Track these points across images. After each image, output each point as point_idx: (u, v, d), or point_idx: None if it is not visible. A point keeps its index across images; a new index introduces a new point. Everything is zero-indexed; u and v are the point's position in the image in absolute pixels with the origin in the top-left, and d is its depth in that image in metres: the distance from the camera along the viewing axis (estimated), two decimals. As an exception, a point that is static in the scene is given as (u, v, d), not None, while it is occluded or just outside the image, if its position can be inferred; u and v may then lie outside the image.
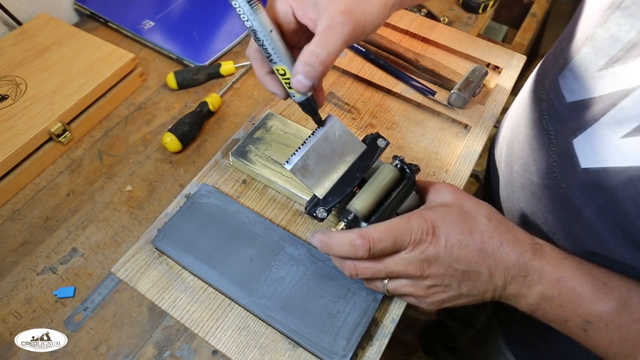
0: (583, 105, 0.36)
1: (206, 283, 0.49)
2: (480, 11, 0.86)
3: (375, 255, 0.37)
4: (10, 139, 0.60)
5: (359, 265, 0.38)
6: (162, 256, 0.51)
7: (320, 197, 0.40)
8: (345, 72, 0.69)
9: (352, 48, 0.71)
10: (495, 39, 0.93)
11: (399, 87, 0.67)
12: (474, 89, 0.63)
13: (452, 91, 0.63)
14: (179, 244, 0.50)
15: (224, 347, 0.46)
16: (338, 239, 0.38)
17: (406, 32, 0.74)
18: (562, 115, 0.39)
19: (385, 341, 0.46)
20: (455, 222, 0.36)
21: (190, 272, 0.50)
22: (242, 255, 0.49)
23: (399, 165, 0.42)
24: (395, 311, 0.48)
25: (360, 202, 0.39)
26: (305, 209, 0.41)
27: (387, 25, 0.75)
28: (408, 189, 0.41)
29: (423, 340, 1.29)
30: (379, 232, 0.36)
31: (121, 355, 0.50)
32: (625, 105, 0.31)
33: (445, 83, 0.66)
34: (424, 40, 0.73)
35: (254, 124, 0.60)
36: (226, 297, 0.48)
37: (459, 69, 0.67)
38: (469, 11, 0.86)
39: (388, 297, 0.49)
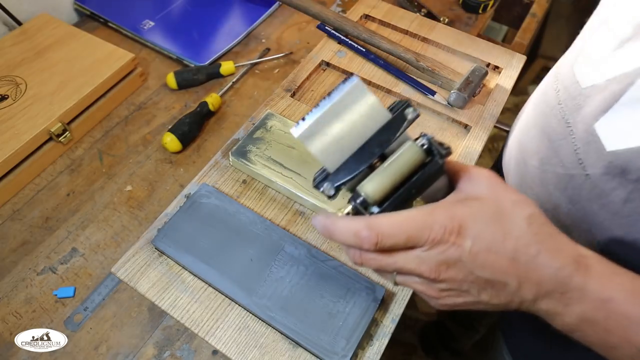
0: (600, 88, 0.35)
1: (206, 283, 0.49)
2: (480, 11, 0.86)
3: (384, 250, 0.32)
4: (10, 139, 0.60)
5: (365, 255, 0.33)
6: (162, 256, 0.51)
7: (331, 171, 0.34)
8: (346, 72, 0.69)
9: (352, 48, 0.71)
10: (495, 39, 0.93)
11: (399, 87, 0.67)
12: (474, 89, 0.63)
13: (452, 91, 0.63)
14: (179, 244, 0.50)
15: (224, 347, 0.46)
16: (342, 226, 0.32)
17: (406, 32, 0.74)
18: (579, 101, 0.38)
19: (385, 341, 0.46)
20: (487, 224, 0.31)
21: (190, 272, 0.50)
22: (242, 255, 0.49)
23: (425, 146, 0.33)
24: (395, 311, 0.48)
25: (373, 185, 0.33)
26: (313, 181, 0.35)
27: (387, 25, 0.75)
28: (432, 175, 0.33)
29: (423, 341, 1.28)
30: (391, 226, 0.31)
31: (121, 355, 0.50)
32: None
33: (445, 83, 0.66)
34: (424, 40, 0.73)
35: (254, 124, 0.60)
36: (226, 297, 0.48)
37: (459, 69, 0.67)
38: (469, 11, 0.86)
39: (388, 297, 0.49)
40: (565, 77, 0.41)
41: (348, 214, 0.34)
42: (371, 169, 0.34)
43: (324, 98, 0.33)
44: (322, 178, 0.34)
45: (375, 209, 0.33)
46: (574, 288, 0.30)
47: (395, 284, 0.35)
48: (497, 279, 0.31)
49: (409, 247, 0.32)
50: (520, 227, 0.31)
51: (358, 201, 0.33)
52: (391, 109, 0.35)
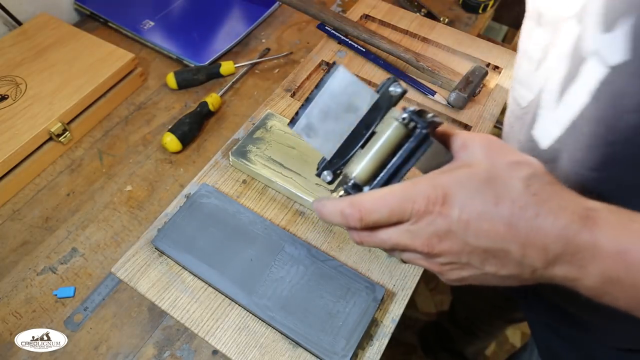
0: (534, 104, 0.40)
1: (206, 283, 0.49)
2: (480, 11, 0.86)
3: (370, 227, 0.32)
4: (10, 139, 0.60)
5: (361, 235, 0.33)
6: (162, 256, 0.51)
7: (329, 159, 0.35)
8: (345, 72, 0.69)
9: (352, 48, 0.71)
10: (495, 39, 0.93)
11: (399, 87, 0.67)
12: (474, 89, 0.63)
13: (452, 91, 0.63)
14: (179, 244, 0.50)
15: (224, 347, 0.46)
16: (329, 206, 0.33)
17: (406, 32, 0.74)
18: (522, 116, 0.42)
19: (385, 341, 0.46)
20: (477, 190, 0.29)
21: (190, 272, 0.50)
22: (242, 255, 0.49)
23: (405, 120, 0.33)
24: (395, 311, 0.48)
25: (358, 165, 0.34)
26: (317, 170, 0.36)
27: (387, 25, 0.75)
28: (417, 147, 0.33)
29: (422, 341, 1.28)
30: (372, 201, 0.31)
31: (121, 355, 0.50)
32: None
33: (445, 83, 0.66)
34: (424, 40, 0.73)
35: (254, 124, 0.60)
36: (226, 297, 0.48)
37: (459, 69, 0.67)
38: (469, 11, 0.86)
39: (388, 297, 0.49)
40: (510, 100, 0.44)
41: (341, 196, 0.34)
42: (357, 148, 0.35)
43: (313, 90, 0.34)
44: (322, 166, 0.35)
45: (366, 189, 0.34)
46: (584, 246, 0.27)
47: (403, 262, 0.35)
48: (496, 247, 0.29)
49: (395, 221, 0.31)
50: (516, 189, 0.29)
51: (347, 183, 0.34)
52: (379, 90, 0.35)
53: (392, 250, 0.34)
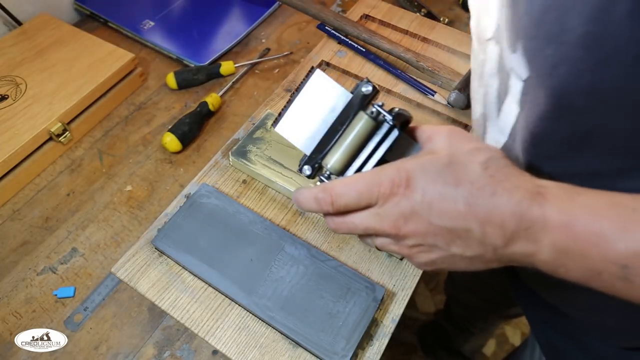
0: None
1: (206, 283, 0.49)
2: (480, 11, 0.86)
3: (342, 211, 0.34)
4: (10, 139, 0.60)
5: (335, 220, 0.35)
6: (162, 256, 0.51)
7: (309, 155, 0.38)
8: (345, 72, 0.69)
9: (352, 48, 0.71)
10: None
11: (399, 87, 0.67)
12: (474, 89, 0.63)
13: (452, 91, 0.63)
14: (179, 244, 0.50)
15: (224, 347, 0.46)
16: (305, 194, 0.35)
17: (406, 32, 0.74)
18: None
19: (385, 341, 0.46)
20: (438, 173, 0.31)
21: (190, 272, 0.50)
22: (242, 255, 0.49)
23: (374, 114, 0.36)
24: (395, 311, 0.48)
25: (332, 157, 0.37)
26: (298, 168, 0.40)
27: (387, 25, 0.75)
28: (384, 138, 0.36)
29: (421, 340, 1.29)
30: (342, 186, 0.33)
31: (121, 355, 0.50)
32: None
33: (445, 83, 0.66)
34: (424, 40, 0.73)
35: (254, 124, 0.60)
36: (226, 297, 0.48)
37: (459, 69, 0.67)
38: (469, 11, 0.86)
39: (388, 297, 0.49)
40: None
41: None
42: (333, 143, 0.38)
43: (293, 93, 0.38)
44: (302, 162, 0.39)
45: (328, 178, 0.37)
46: (535, 220, 0.29)
47: (378, 249, 0.37)
48: (458, 227, 0.30)
49: (364, 205, 0.33)
50: (474, 171, 0.31)
51: (325, 175, 0.37)
52: (353, 90, 0.38)
53: (364, 235, 0.36)
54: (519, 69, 0.33)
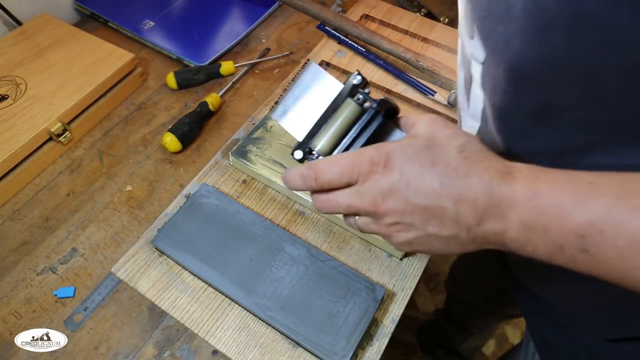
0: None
1: (206, 283, 0.49)
2: (480, 11, 0.86)
3: (325, 187, 0.36)
4: (10, 139, 0.60)
5: (319, 197, 0.37)
6: (162, 256, 0.51)
7: (301, 141, 0.41)
8: (345, 72, 0.69)
9: (352, 48, 0.71)
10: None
11: (399, 87, 0.67)
12: (474, 89, 0.63)
13: (452, 91, 0.63)
14: (179, 244, 0.50)
15: (224, 347, 0.46)
16: (292, 172, 0.38)
17: (406, 32, 0.74)
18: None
19: (385, 341, 0.46)
20: (416, 154, 0.33)
21: (190, 272, 0.50)
22: (242, 255, 0.49)
23: (360, 100, 0.39)
24: (395, 311, 0.48)
25: (320, 140, 0.39)
26: (291, 153, 0.42)
27: (387, 25, 0.75)
28: (369, 122, 0.38)
29: (421, 340, 1.29)
30: (326, 163, 0.35)
31: (121, 355, 0.50)
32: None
33: (445, 83, 0.66)
34: (424, 40, 0.73)
35: (254, 124, 0.60)
36: (226, 297, 0.48)
37: (459, 69, 0.67)
38: (469, 11, 0.86)
39: (388, 297, 0.49)
40: None
41: None
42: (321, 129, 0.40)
43: (290, 83, 0.41)
44: (295, 147, 0.41)
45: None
46: (504, 197, 0.30)
47: (361, 230, 0.38)
48: (433, 204, 0.32)
49: (346, 182, 0.35)
50: (450, 154, 0.32)
51: (312, 157, 0.40)
52: (345, 82, 0.41)
53: (347, 215, 0.38)
54: (476, 53, 0.35)
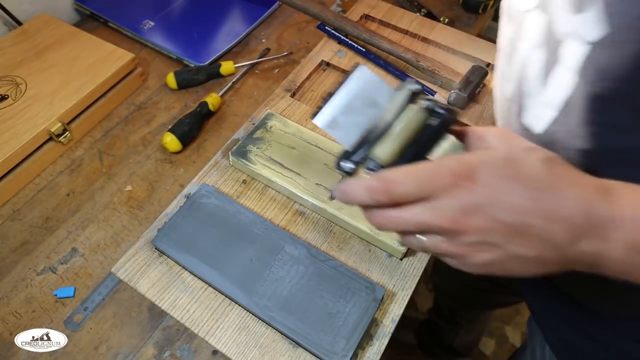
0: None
1: (206, 283, 0.49)
2: (480, 11, 0.86)
3: (397, 201, 0.31)
4: (10, 139, 0.60)
5: (385, 213, 0.32)
6: (162, 256, 0.51)
7: (349, 150, 0.36)
8: (346, 72, 0.69)
9: (352, 48, 0.71)
10: (495, 39, 0.93)
11: (399, 87, 0.67)
12: (474, 89, 0.63)
13: (452, 91, 0.63)
14: (179, 244, 0.50)
15: (224, 347, 0.46)
16: (354, 184, 0.33)
17: (406, 32, 0.74)
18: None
19: (385, 341, 0.46)
20: (500, 167, 0.30)
21: (190, 272, 0.50)
22: (242, 255, 0.49)
23: (427, 106, 0.36)
24: (395, 311, 0.48)
25: (382, 148, 0.35)
26: (336, 165, 0.37)
27: (387, 25, 0.75)
28: (438, 129, 0.35)
29: (419, 338, 1.29)
30: (400, 174, 0.31)
31: (121, 355, 0.50)
32: None
33: (445, 83, 0.66)
34: (424, 40, 0.73)
35: (254, 124, 0.60)
36: (226, 297, 0.48)
37: (459, 69, 0.67)
38: (469, 11, 0.86)
39: (388, 297, 0.49)
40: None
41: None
42: (379, 137, 0.36)
43: (337, 87, 0.37)
44: (341, 157, 0.36)
45: (380, 170, 0.35)
46: (604, 215, 0.28)
47: (424, 251, 0.35)
48: (521, 222, 0.29)
49: (423, 197, 0.31)
50: (534, 167, 0.30)
51: (371, 165, 0.35)
52: (398, 88, 0.37)
53: (409, 233, 0.33)
54: (584, 31, 0.31)
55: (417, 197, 0.31)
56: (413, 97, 0.36)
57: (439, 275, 1.08)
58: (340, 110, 0.37)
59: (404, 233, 0.34)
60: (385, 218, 0.33)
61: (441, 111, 0.35)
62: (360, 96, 0.37)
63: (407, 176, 0.31)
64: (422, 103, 0.36)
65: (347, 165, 0.35)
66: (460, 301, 1.05)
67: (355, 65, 0.38)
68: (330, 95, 0.37)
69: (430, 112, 0.35)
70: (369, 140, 0.36)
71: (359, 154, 0.36)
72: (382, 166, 0.35)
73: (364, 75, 0.38)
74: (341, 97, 0.37)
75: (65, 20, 0.78)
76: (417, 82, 0.37)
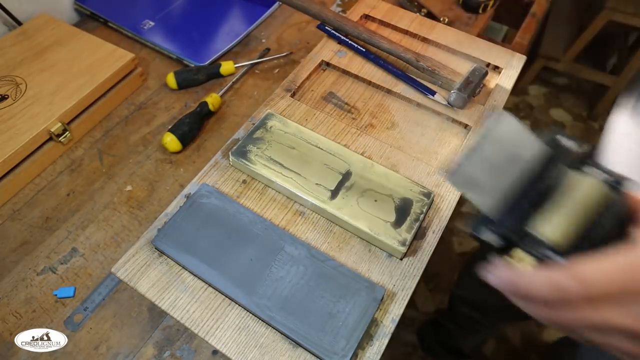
0: None
1: (206, 283, 0.49)
2: (480, 11, 0.86)
3: (592, 301, 0.26)
4: (10, 139, 0.60)
5: (578, 314, 0.27)
6: (162, 256, 0.51)
7: (490, 215, 0.31)
8: (346, 72, 0.69)
9: (352, 48, 0.71)
10: (495, 39, 0.93)
11: (399, 87, 0.67)
12: (474, 89, 0.63)
13: (452, 91, 0.63)
14: (179, 244, 0.50)
15: (224, 347, 0.46)
16: (534, 278, 0.27)
17: (406, 32, 0.74)
18: None
19: (385, 341, 0.46)
20: None
21: (190, 272, 0.50)
22: (242, 255, 0.49)
23: (607, 179, 0.29)
24: (395, 311, 0.48)
25: (555, 229, 0.28)
26: (473, 228, 0.32)
27: (387, 25, 0.75)
28: (617, 211, 0.29)
29: (421, 338, 1.29)
30: (600, 272, 0.26)
31: (121, 355, 0.50)
32: None
33: (445, 83, 0.66)
34: (424, 40, 0.73)
35: (254, 124, 0.60)
36: (226, 297, 0.48)
37: (459, 69, 0.67)
38: (469, 11, 0.86)
39: (388, 297, 0.49)
40: None
41: (530, 265, 0.30)
42: (535, 208, 0.30)
43: (476, 138, 0.31)
44: (480, 223, 0.31)
45: (559, 259, 0.29)
46: None
47: (589, 343, 0.29)
48: None
49: (622, 297, 0.26)
50: None
51: (544, 252, 0.29)
52: (546, 141, 0.32)
53: (592, 329, 0.28)
54: None
55: (617, 298, 0.26)
56: (568, 156, 0.30)
57: (467, 285, 1.02)
58: (479, 167, 0.31)
59: (587, 331, 0.29)
60: (563, 317, 0.28)
61: (620, 187, 0.29)
62: (502, 150, 0.31)
63: (604, 273, 0.26)
64: (604, 177, 0.29)
65: (491, 237, 0.30)
66: (489, 315, 1.01)
67: (498, 113, 0.32)
68: (469, 149, 0.31)
69: (615, 186, 0.29)
70: (518, 207, 0.30)
71: (506, 224, 0.30)
72: (557, 250, 0.28)
73: (509, 126, 0.31)
74: (482, 150, 0.31)
75: (65, 20, 0.78)
76: (566, 133, 0.31)
